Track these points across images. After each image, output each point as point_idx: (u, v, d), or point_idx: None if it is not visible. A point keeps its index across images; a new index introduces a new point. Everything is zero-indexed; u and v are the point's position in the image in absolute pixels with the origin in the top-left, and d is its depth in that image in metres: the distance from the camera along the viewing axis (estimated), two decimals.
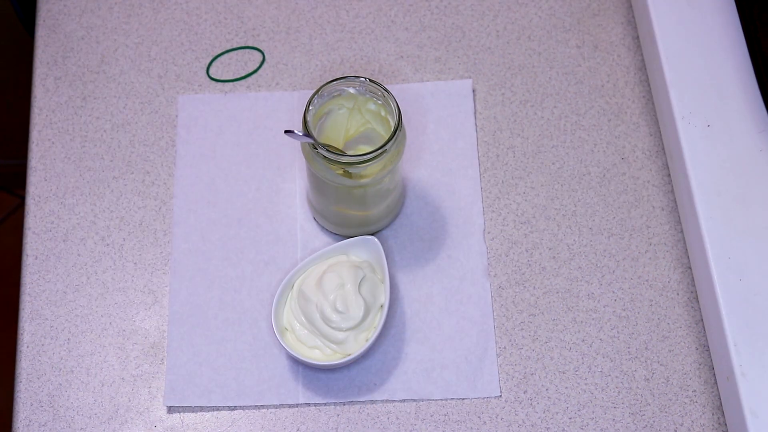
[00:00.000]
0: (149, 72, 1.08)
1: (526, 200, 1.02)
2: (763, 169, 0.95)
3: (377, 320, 0.94)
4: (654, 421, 0.93)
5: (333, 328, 0.92)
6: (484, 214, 1.02)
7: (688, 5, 1.03)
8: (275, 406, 0.94)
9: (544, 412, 0.94)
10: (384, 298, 0.94)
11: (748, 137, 0.97)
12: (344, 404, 0.94)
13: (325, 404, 0.94)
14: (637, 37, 1.09)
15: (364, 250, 0.97)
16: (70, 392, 0.95)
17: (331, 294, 0.93)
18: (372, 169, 0.91)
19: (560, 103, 1.07)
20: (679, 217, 1.00)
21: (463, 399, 0.94)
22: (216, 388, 0.95)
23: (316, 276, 0.95)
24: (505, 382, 0.95)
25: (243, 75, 1.09)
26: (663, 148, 1.04)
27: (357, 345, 0.93)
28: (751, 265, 0.91)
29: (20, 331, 0.97)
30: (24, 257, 1.00)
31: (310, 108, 0.91)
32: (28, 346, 0.97)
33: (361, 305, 0.92)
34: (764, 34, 0.98)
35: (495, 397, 0.94)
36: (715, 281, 0.91)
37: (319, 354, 0.93)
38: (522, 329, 0.97)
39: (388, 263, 0.96)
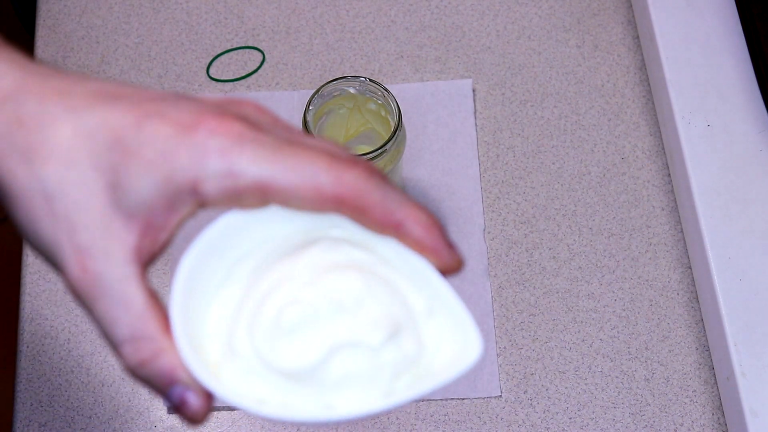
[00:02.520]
0: (149, 72, 1.08)
1: (526, 200, 1.02)
2: (763, 169, 0.95)
3: None
4: (654, 421, 0.93)
5: None
6: (484, 214, 1.02)
7: (688, 5, 1.03)
8: None
9: (544, 412, 0.94)
10: None
11: (748, 137, 0.97)
12: None
13: None
14: (637, 37, 1.09)
15: None
16: (70, 392, 0.95)
17: None
18: None
19: (560, 103, 1.07)
20: (679, 217, 1.00)
21: (463, 399, 0.94)
22: None
23: None
24: (505, 382, 0.95)
25: (243, 75, 1.09)
26: (663, 148, 1.04)
27: None
28: (751, 265, 0.91)
29: (20, 331, 0.97)
30: (24, 257, 1.00)
31: (310, 108, 0.91)
32: (28, 346, 0.97)
33: None
34: (765, 34, 0.98)
35: (495, 397, 0.94)
36: (715, 281, 0.91)
37: None
38: (522, 329, 0.97)
39: None
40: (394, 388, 0.49)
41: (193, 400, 0.49)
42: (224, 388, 0.49)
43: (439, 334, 0.51)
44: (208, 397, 0.49)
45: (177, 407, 0.49)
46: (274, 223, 0.51)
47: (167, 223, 0.49)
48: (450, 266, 0.50)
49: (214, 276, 0.51)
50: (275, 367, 0.49)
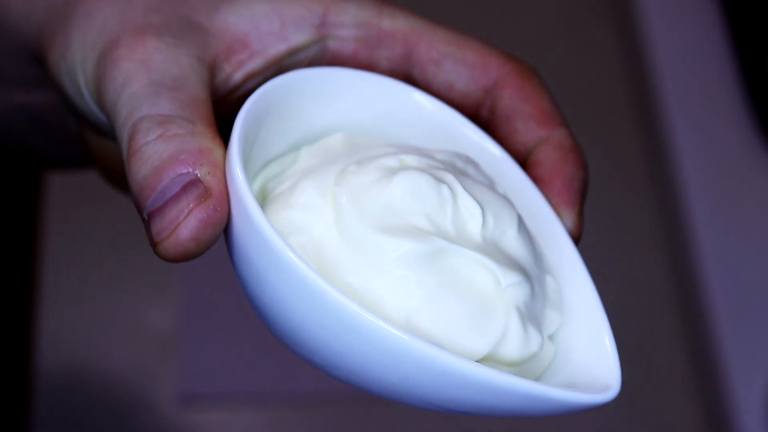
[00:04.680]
0: None
1: None
2: (760, 170, 0.96)
3: None
4: (648, 420, 0.93)
5: None
6: None
7: (679, 9, 1.03)
8: (280, 406, 0.94)
9: None
10: None
11: (745, 138, 0.97)
12: (345, 404, 0.94)
13: (327, 404, 0.94)
14: (634, 39, 1.09)
15: None
16: (84, 387, 0.93)
17: None
18: None
19: None
20: (675, 217, 1.00)
21: None
22: (229, 376, 0.94)
23: None
24: None
25: None
26: (660, 149, 1.04)
27: None
28: (749, 265, 0.92)
29: (36, 328, 0.96)
30: (38, 254, 0.99)
31: None
32: (44, 342, 0.95)
33: None
34: (755, 37, 0.99)
35: None
36: (712, 281, 0.91)
37: None
38: None
39: None
40: (496, 352, 0.33)
41: (199, 190, 0.32)
42: (264, 218, 0.32)
43: (568, 343, 0.35)
44: (223, 204, 0.33)
45: (172, 197, 0.33)
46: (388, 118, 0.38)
47: (268, 48, 0.35)
48: (573, 222, 0.40)
49: (316, 114, 0.36)
50: (355, 232, 0.32)
